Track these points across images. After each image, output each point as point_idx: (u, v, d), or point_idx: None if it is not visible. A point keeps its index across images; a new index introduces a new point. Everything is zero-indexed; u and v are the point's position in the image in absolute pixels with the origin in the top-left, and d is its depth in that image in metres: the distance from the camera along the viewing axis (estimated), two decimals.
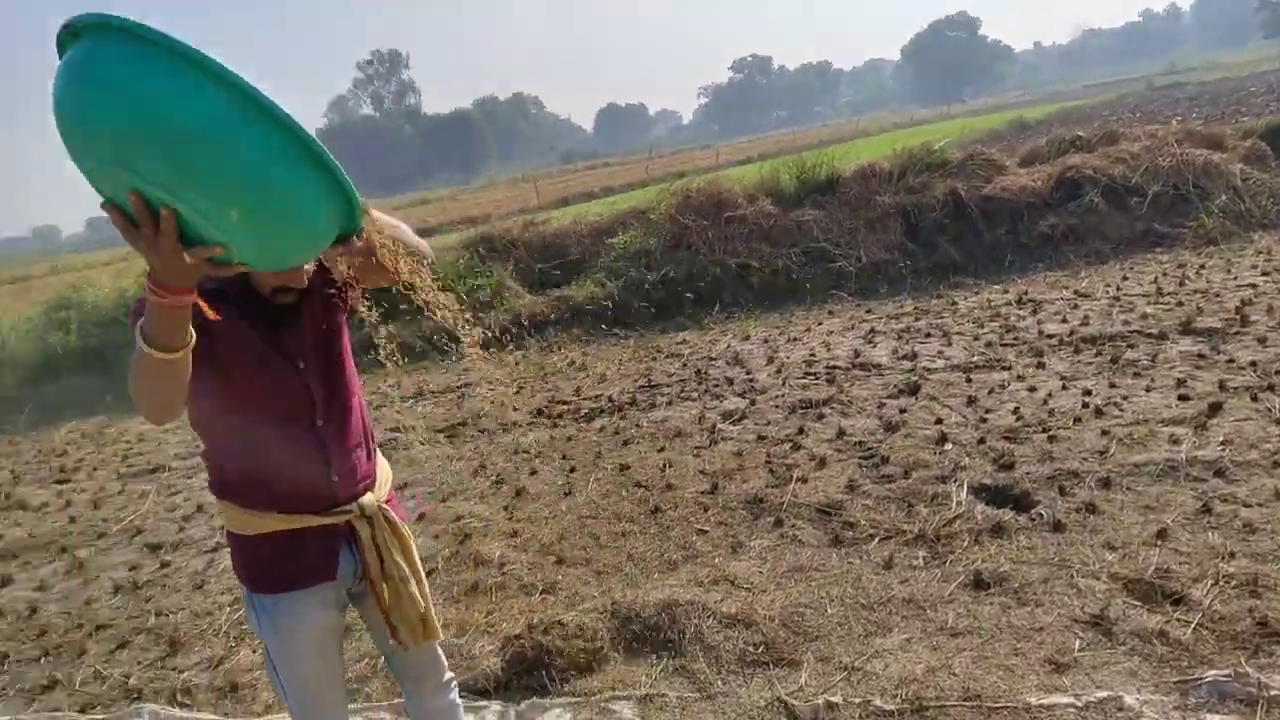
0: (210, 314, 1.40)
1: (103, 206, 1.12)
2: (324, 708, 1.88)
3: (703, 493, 4.31)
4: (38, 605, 4.13)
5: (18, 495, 6.03)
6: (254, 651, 3.43)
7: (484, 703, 2.85)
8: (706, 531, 3.91)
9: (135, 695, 3.23)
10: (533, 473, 5.02)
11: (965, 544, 3.38)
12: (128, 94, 0.98)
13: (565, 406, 6.26)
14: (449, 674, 2.13)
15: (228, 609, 3.86)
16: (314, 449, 1.71)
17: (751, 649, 2.89)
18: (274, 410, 1.67)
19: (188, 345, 1.33)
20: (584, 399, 6.40)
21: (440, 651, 2.08)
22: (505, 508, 4.55)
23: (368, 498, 1.80)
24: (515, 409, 6.40)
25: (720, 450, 4.84)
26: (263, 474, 1.69)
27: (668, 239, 9.43)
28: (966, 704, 2.47)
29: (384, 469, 1.93)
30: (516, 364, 7.97)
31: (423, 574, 1.90)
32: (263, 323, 1.64)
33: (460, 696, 2.87)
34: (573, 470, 4.95)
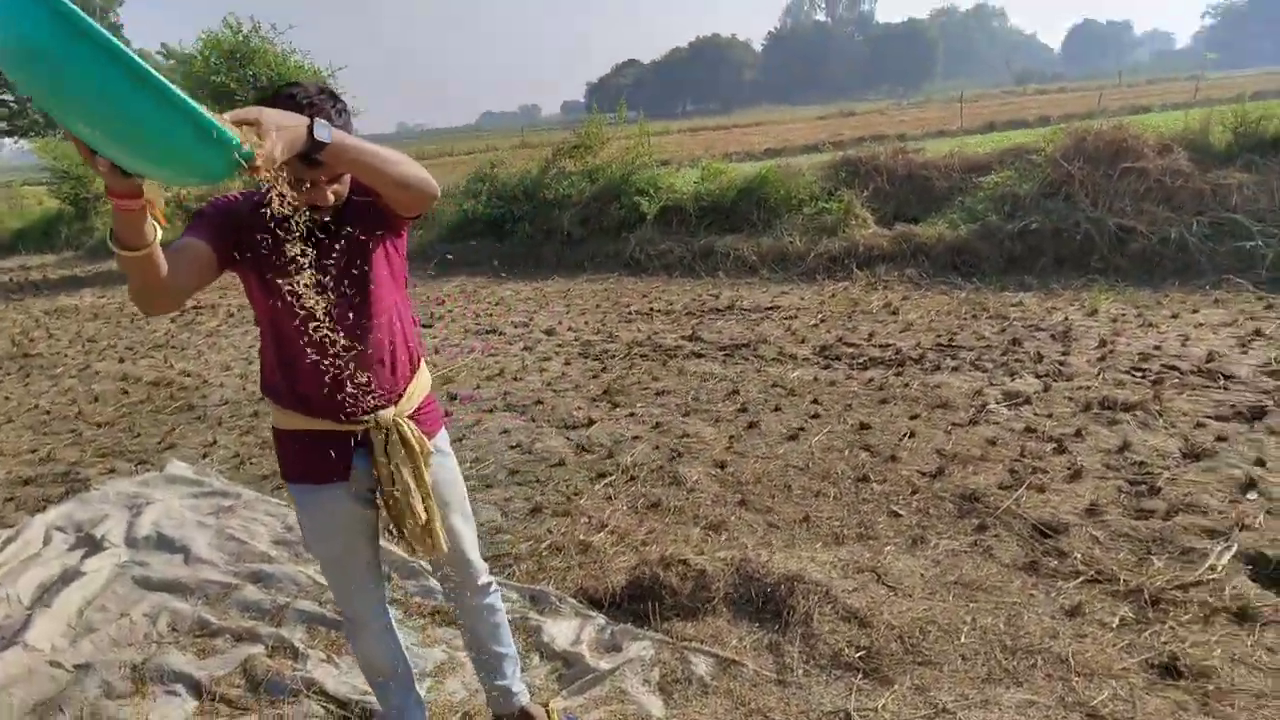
0: (162, 222, 1.58)
1: None
2: (349, 585, 2.11)
3: (923, 474, 3.92)
4: None
5: None
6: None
7: (593, 613, 3.01)
8: (899, 516, 3.58)
9: None
10: (776, 409, 4.95)
11: (1185, 619, 2.68)
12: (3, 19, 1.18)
13: (849, 349, 5.99)
14: (485, 579, 2.28)
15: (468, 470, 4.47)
16: (330, 360, 1.82)
17: (850, 650, 2.66)
18: (295, 320, 1.77)
19: (146, 246, 1.50)
20: (873, 345, 6.05)
21: (474, 558, 2.23)
22: (731, 437, 4.58)
23: (386, 411, 1.93)
24: (802, 340, 6.28)
25: (974, 433, 4.31)
26: (288, 377, 1.89)
27: (1044, 185, 8.23)
28: None
29: (420, 384, 2.05)
30: (832, 296, 7.73)
31: (430, 490, 1.99)
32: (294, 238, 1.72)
33: (577, 601, 3.10)
34: (814, 416, 4.79)
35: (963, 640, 2.69)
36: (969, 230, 8.27)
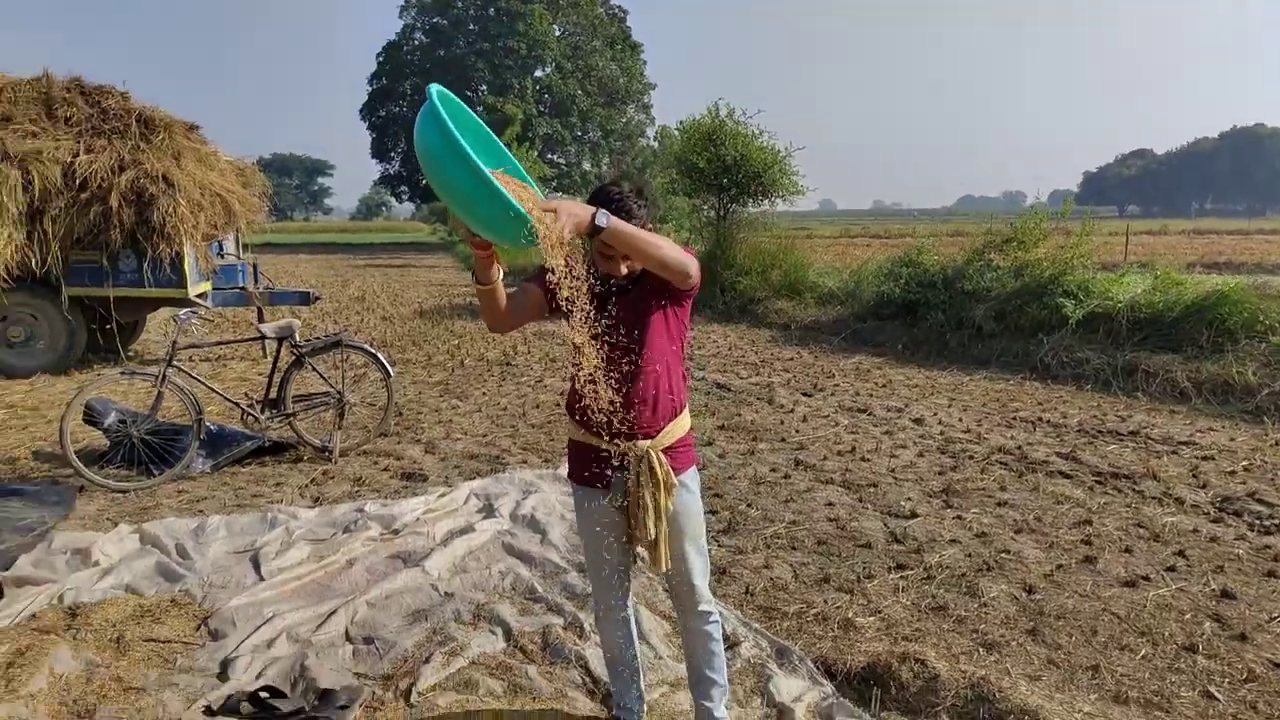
0: (499, 270, 2.25)
1: None
2: (599, 574, 2.69)
3: (1275, 664, 3.35)
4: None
5: (775, 395, 8.14)
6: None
7: (824, 681, 3.22)
8: (1213, 698, 3.14)
9: None
10: (1127, 550, 4.50)
11: None
12: (417, 131, 1.95)
13: (1259, 508, 5.09)
14: (705, 606, 2.66)
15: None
16: (605, 393, 2.36)
17: None
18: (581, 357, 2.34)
19: (492, 283, 2.24)
20: None
21: (699, 584, 2.63)
22: (1058, 566, 4.31)
23: (642, 442, 2.44)
24: (1203, 485, 5.49)
25: None
26: (577, 400, 2.48)
27: None
28: None
29: (678, 426, 2.52)
30: (1275, 445, 6.51)
31: (666, 515, 2.45)
32: (600, 295, 2.36)
33: (814, 666, 3.34)
34: (1170, 569, 4.26)
35: None
36: None
